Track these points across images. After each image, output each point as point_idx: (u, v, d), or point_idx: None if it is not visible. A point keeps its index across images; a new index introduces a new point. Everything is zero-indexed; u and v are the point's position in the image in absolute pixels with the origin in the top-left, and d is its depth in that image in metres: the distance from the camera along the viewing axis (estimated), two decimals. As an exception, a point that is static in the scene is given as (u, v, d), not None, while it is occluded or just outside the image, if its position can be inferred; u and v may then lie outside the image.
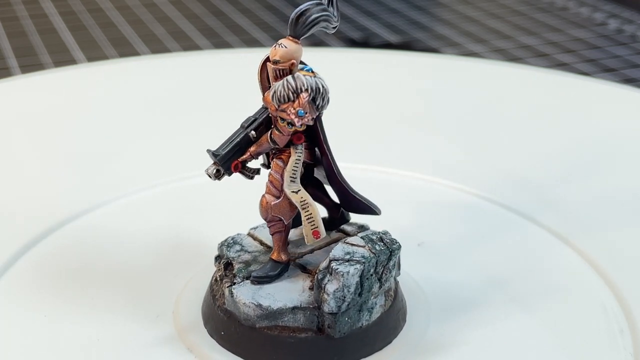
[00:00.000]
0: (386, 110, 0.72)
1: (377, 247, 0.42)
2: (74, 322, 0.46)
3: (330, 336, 0.42)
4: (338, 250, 0.42)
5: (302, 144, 0.42)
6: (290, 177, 0.42)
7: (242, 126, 0.43)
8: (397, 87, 0.76)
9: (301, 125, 0.41)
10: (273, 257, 0.44)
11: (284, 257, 0.44)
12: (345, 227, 0.46)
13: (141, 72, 0.79)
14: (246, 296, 0.42)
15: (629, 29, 0.99)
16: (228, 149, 0.42)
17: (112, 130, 0.67)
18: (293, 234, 0.45)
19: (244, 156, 0.43)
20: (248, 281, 0.43)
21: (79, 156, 0.63)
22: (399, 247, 0.43)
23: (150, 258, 0.51)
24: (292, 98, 0.40)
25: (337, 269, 0.41)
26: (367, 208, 0.45)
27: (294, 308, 0.42)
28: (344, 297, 0.41)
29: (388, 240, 0.43)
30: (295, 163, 0.42)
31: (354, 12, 1.05)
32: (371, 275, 0.42)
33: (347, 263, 0.41)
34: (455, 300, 0.48)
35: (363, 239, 0.43)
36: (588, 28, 1.00)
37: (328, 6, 0.41)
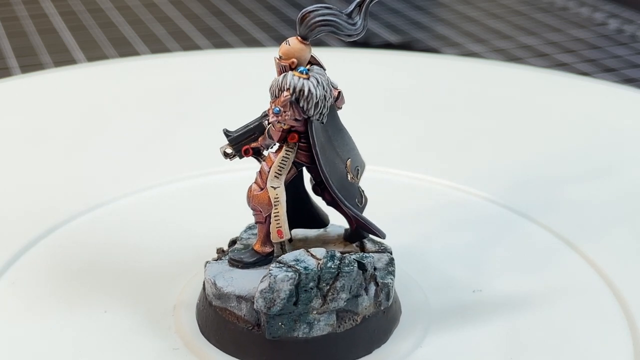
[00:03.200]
0: (385, 111, 0.71)
1: (328, 264, 0.42)
2: (74, 321, 0.46)
3: (263, 335, 0.42)
4: (292, 254, 0.43)
5: (295, 143, 0.42)
6: (275, 172, 0.42)
7: (261, 114, 0.44)
8: (397, 88, 0.76)
9: (282, 122, 0.41)
10: (254, 247, 0.44)
11: (265, 249, 0.44)
12: (366, 242, 0.45)
13: (141, 72, 0.79)
14: (211, 273, 0.44)
15: (629, 29, 0.99)
16: (240, 132, 0.44)
17: (112, 130, 0.67)
18: (311, 232, 0.46)
19: (255, 143, 0.43)
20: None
21: (78, 156, 0.63)
22: (352, 271, 0.42)
23: (151, 257, 0.51)
24: (277, 95, 0.40)
25: (271, 270, 0.41)
26: (365, 227, 0.44)
27: (238, 297, 0.42)
28: (274, 300, 0.41)
29: (347, 262, 0.42)
30: (283, 160, 0.42)
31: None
32: (311, 288, 0.41)
33: (284, 268, 0.41)
34: (454, 302, 0.48)
35: (328, 252, 0.43)
36: (588, 28, 1.00)
37: (352, 15, 0.41)
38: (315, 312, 0.42)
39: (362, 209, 0.45)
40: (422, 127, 0.69)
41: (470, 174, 0.61)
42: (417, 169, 0.62)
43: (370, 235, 0.46)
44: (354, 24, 0.41)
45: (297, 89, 0.40)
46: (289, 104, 0.40)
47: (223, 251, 0.46)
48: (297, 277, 0.41)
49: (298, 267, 0.41)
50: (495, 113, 0.71)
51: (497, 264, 0.51)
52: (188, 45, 0.94)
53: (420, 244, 0.53)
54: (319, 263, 0.42)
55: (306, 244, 0.45)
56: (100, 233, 0.54)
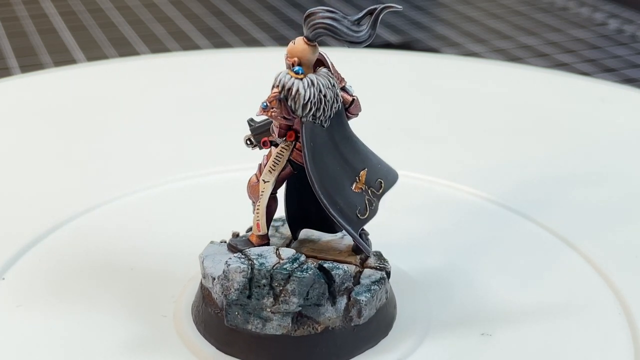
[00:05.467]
0: (385, 111, 0.72)
1: (285, 266, 0.42)
2: (74, 321, 0.46)
3: (224, 320, 0.42)
4: (259, 248, 0.43)
5: (291, 142, 0.42)
6: (270, 167, 0.43)
7: None
8: (397, 88, 0.76)
9: (272, 119, 0.41)
10: (250, 237, 0.44)
11: (259, 241, 0.44)
12: (371, 256, 0.44)
13: (141, 72, 0.79)
14: (206, 252, 0.45)
15: (629, 29, 0.99)
16: (261, 124, 0.44)
17: (112, 130, 0.67)
18: (325, 236, 0.45)
19: (272, 137, 0.43)
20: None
21: (78, 156, 0.63)
22: (304, 278, 0.41)
23: (150, 257, 0.51)
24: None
25: (230, 259, 0.42)
26: (353, 240, 0.43)
27: (214, 278, 0.43)
28: (229, 288, 0.41)
29: (304, 268, 0.42)
30: (277, 156, 0.42)
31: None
32: (264, 285, 0.41)
33: (242, 260, 0.42)
34: (453, 302, 0.47)
35: (294, 254, 0.42)
36: (588, 28, 1.00)
37: (360, 22, 0.40)
38: (268, 309, 0.42)
39: (361, 222, 0.43)
40: (422, 127, 0.69)
41: (470, 174, 0.61)
42: (417, 169, 0.62)
43: (378, 250, 0.45)
44: (358, 31, 0.40)
45: (286, 88, 0.40)
46: (276, 100, 0.40)
47: (237, 236, 0.46)
48: (249, 271, 0.41)
49: (255, 262, 0.42)
50: (495, 113, 0.71)
51: (496, 264, 0.51)
52: (188, 45, 0.94)
53: (419, 243, 0.53)
54: (278, 262, 0.42)
55: (313, 245, 0.45)
56: (100, 233, 0.54)
